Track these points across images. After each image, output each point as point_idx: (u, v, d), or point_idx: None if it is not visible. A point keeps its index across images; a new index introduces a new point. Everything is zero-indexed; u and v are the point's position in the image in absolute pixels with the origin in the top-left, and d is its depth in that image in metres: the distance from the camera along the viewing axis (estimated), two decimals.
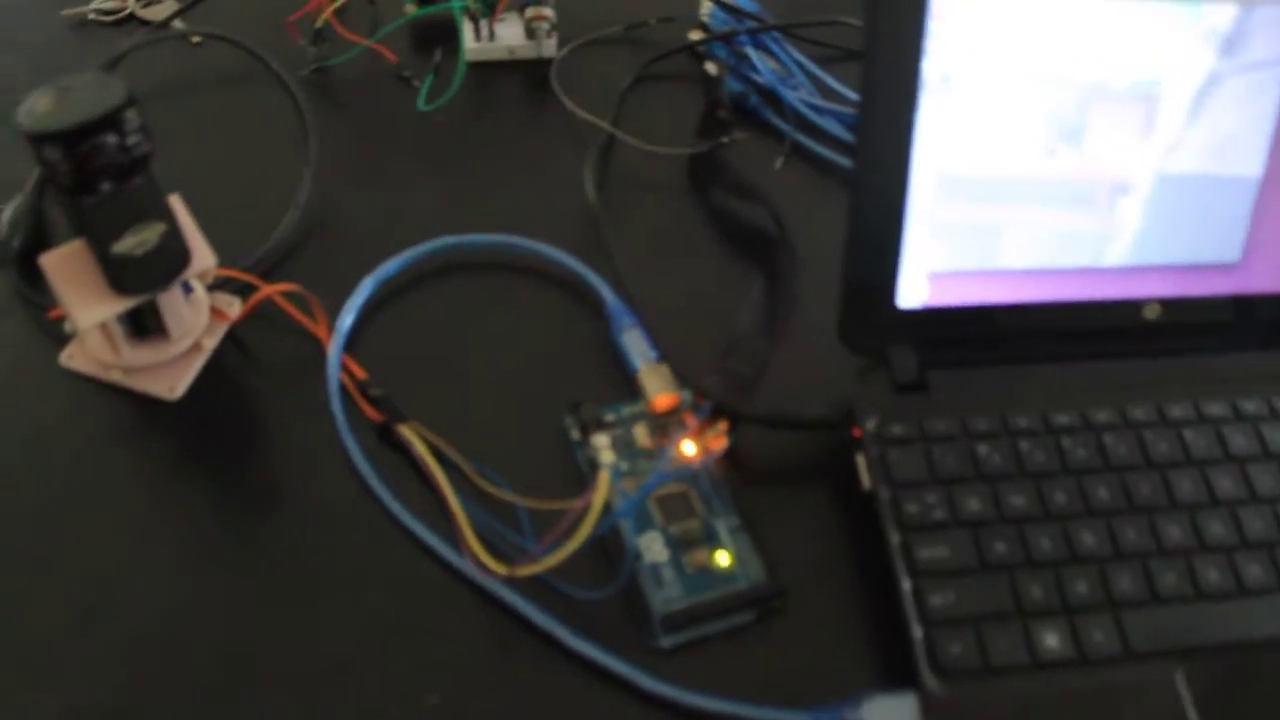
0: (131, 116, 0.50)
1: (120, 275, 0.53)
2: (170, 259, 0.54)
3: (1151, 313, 0.58)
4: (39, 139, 0.48)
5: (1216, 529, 0.52)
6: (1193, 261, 0.58)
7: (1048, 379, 0.57)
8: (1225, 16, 0.53)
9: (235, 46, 0.72)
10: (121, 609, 0.50)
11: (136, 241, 0.52)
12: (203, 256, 0.55)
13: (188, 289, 0.58)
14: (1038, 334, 0.58)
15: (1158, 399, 0.56)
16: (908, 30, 0.51)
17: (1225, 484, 0.54)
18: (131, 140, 0.50)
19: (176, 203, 0.55)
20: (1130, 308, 0.58)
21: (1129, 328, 0.59)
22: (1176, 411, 0.56)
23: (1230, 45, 0.54)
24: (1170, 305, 0.58)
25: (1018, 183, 0.54)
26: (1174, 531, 0.52)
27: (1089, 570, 0.51)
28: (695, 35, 0.77)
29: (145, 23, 0.79)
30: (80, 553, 0.52)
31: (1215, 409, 0.56)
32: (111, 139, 0.49)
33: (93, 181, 0.50)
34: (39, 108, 0.49)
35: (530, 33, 0.76)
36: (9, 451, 0.55)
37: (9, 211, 0.64)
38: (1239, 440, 0.55)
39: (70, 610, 0.50)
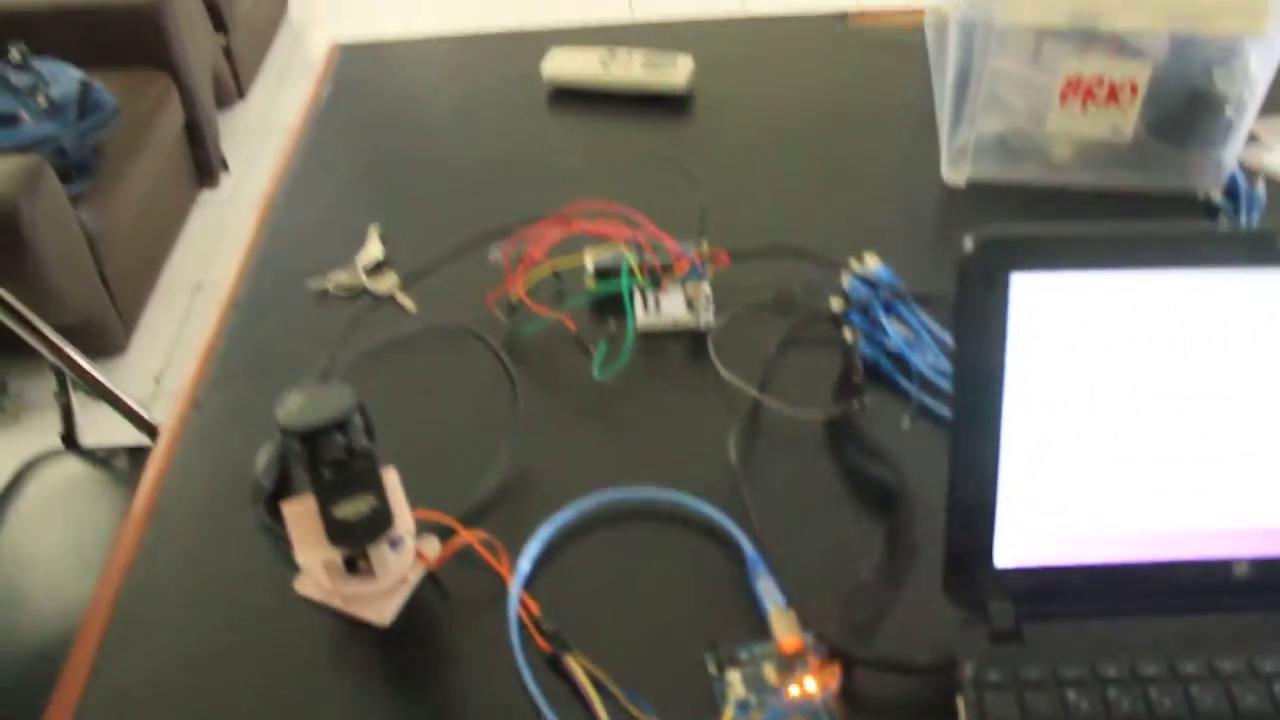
0: (356, 420, 0.63)
1: (335, 532, 0.66)
2: (376, 523, 0.66)
3: (1241, 571, 0.64)
4: (285, 432, 0.62)
5: None
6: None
7: (1137, 631, 0.62)
8: None
9: (445, 322, 0.87)
10: None
11: (352, 510, 0.65)
12: (403, 521, 0.68)
13: (397, 543, 0.71)
14: (1128, 591, 0.64)
15: (1248, 653, 0.61)
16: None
17: None
18: (354, 438, 0.64)
19: (390, 475, 0.68)
20: (1219, 567, 0.64)
21: (1218, 585, 0.64)
22: (1267, 666, 0.60)
23: None
24: (1259, 565, 0.64)
25: (1104, 458, 0.61)
26: None
27: None
28: (836, 305, 0.87)
29: (372, 294, 0.95)
30: None
31: None
32: (339, 438, 0.63)
33: (320, 465, 0.63)
34: (291, 405, 0.63)
35: (690, 305, 0.88)
36: (260, 656, 0.68)
37: (264, 456, 0.78)
38: None
39: None
